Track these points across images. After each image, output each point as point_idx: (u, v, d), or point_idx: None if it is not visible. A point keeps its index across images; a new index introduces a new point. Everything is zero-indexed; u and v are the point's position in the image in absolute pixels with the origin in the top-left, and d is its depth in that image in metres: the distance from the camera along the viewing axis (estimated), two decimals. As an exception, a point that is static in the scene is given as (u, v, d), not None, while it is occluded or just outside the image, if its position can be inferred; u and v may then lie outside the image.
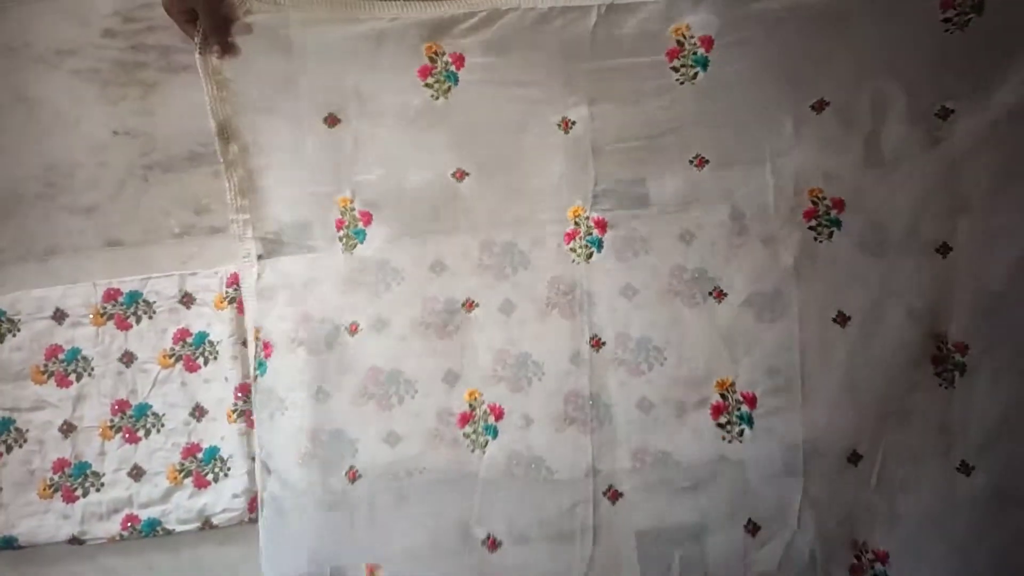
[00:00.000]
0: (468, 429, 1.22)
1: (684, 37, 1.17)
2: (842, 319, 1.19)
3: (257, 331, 1.24)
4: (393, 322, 1.25)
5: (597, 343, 1.23)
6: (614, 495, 1.21)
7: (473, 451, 1.22)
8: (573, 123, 1.21)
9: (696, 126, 1.20)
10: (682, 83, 1.19)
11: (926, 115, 1.18)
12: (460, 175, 1.23)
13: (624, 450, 1.21)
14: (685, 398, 1.22)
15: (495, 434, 1.22)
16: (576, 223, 1.23)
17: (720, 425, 1.20)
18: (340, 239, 1.24)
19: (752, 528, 1.18)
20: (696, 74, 1.18)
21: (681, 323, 1.24)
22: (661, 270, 1.25)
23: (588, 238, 1.22)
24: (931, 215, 1.18)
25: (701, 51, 1.17)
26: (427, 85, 1.21)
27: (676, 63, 1.18)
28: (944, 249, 1.18)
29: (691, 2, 1.16)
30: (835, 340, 1.19)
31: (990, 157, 1.17)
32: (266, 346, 1.23)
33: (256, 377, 1.23)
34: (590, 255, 1.23)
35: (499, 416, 1.22)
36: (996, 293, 1.17)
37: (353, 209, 1.23)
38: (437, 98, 1.21)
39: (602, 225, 1.22)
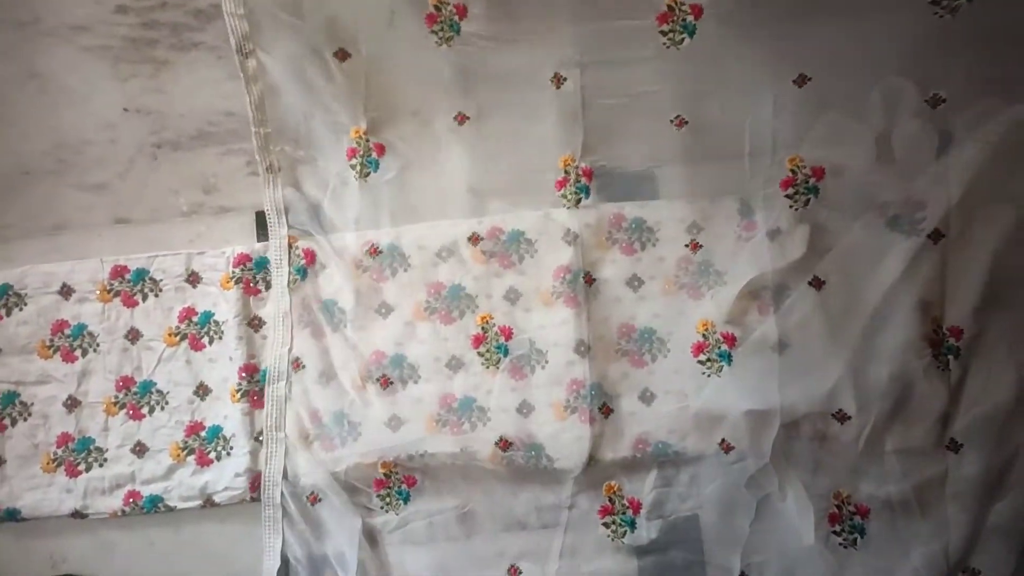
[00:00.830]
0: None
1: (675, 3, 1.22)
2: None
3: (293, 239, 1.27)
4: (399, 307, 1.26)
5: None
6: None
7: (473, 435, 1.22)
8: (564, 79, 1.25)
9: (678, 89, 1.24)
10: (668, 47, 1.23)
11: (916, 102, 1.19)
12: (461, 119, 1.27)
13: (624, 440, 1.21)
14: (687, 390, 1.22)
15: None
16: (566, 172, 1.26)
17: (701, 363, 1.21)
18: (353, 167, 1.26)
19: (725, 445, 1.19)
20: (683, 40, 1.23)
21: (685, 315, 1.24)
22: (668, 261, 1.25)
23: (577, 185, 1.25)
24: (938, 203, 1.18)
25: (690, 18, 1.22)
26: (432, 32, 1.24)
27: (665, 27, 1.23)
28: (941, 236, 1.18)
29: None
30: (824, 310, 1.19)
31: (992, 149, 1.17)
32: (307, 253, 1.26)
33: (295, 280, 1.26)
34: (578, 200, 1.25)
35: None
36: (994, 281, 1.18)
37: (367, 140, 1.26)
38: (440, 45, 1.25)
39: (589, 174, 1.26)
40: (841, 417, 1.17)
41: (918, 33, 1.18)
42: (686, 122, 1.24)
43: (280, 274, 1.27)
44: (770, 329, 1.20)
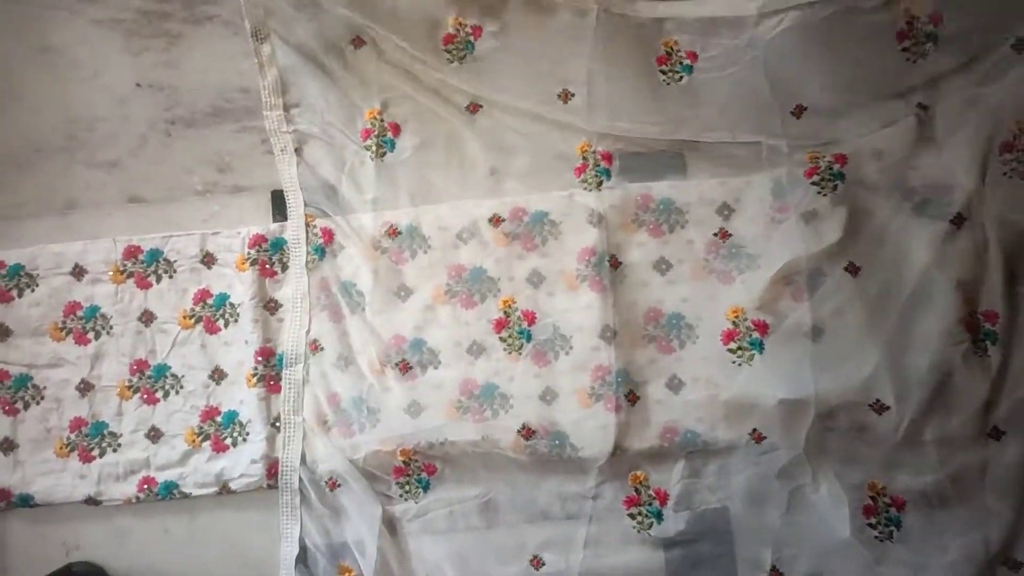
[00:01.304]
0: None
1: (672, 49, 1.24)
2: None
3: (310, 218, 1.24)
4: (418, 290, 1.22)
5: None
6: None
7: (495, 422, 1.19)
8: (572, 95, 1.25)
9: (681, 116, 1.23)
10: (668, 84, 1.24)
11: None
12: (474, 108, 1.25)
13: (651, 429, 1.18)
14: (716, 378, 1.18)
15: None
16: (584, 158, 1.23)
17: (731, 351, 1.18)
18: (367, 148, 1.24)
19: (756, 435, 1.15)
20: (681, 78, 1.24)
21: (715, 300, 1.20)
22: (697, 244, 1.21)
23: (596, 169, 1.23)
24: (960, 186, 1.16)
25: (687, 61, 1.24)
26: (446, 51, 1.25)
27: (664, 68, 1.24)
28: (963, 220, 1.16)
29: (677, 22, 1.24)
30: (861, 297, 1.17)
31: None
32: (324, 232, 1.24)
33: (313, 260, 1.23)
34: (600, 183, 1.22)
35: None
36: (1016, 259, 1.15)
37: (382, 120, 1.24)
38: (452, 62, 1.25)
39: (608, 157, 1.23)
40: (879, 408, 1.13)
41: (896, 71, 1.20)
42: (695, 142, 1.23)
43: (298, 253, 1.24)
44: (804, 316, 1.16)
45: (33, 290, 1.24)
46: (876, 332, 1.15)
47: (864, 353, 1.14)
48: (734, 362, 1.18)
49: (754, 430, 1.15)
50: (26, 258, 1.25)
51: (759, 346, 1.17)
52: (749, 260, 1.20)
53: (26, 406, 1.23)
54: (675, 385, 1.19)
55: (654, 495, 1.18)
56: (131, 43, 1.27)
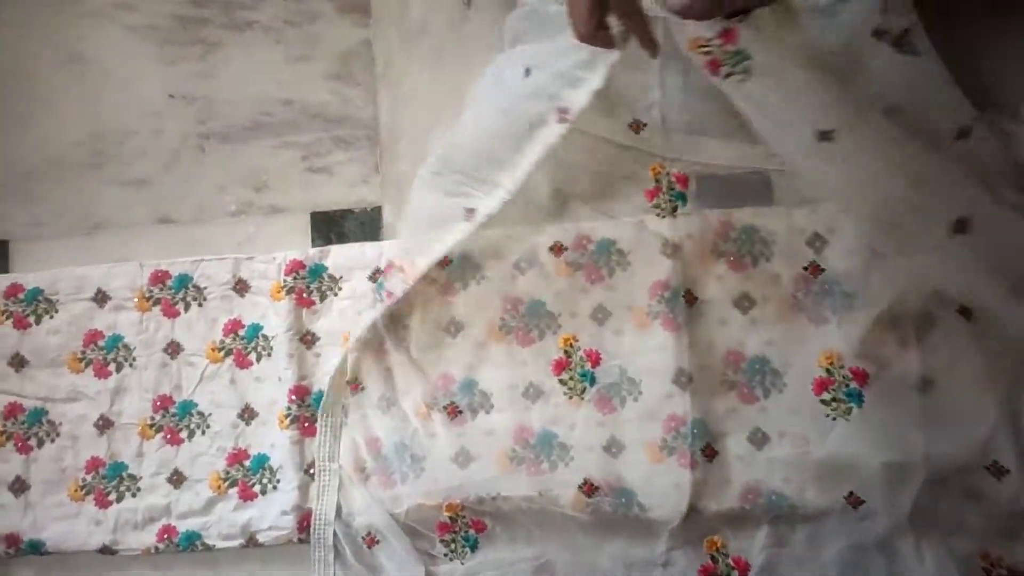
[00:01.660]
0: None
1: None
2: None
3: None
4: (470, 325, 1.11)
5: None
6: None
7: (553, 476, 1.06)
8: (644, 125, 1.13)
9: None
10: None
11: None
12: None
13: (731, 489, 1.04)
14: (807, 433, 1.04)
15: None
16: (657, 180, 1.12)
17: (824, 402, 1.04)
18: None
19: (853, 499, 1.01)
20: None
21: (805, 344, 1.06)
22: (784, 279, 1.08)
23: (671, 193, 1.11)
24: None
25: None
26: None
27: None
28: None
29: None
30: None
31: None
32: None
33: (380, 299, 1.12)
34: (674, 209, 1.11)
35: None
36: None
37: None
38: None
39: (684, 180, 1.12)
40: (997, 471, 0.99)
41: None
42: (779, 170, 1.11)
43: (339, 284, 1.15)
44: (911, 365, 1.01)
45: (52, 316, 1.15)
46: (994, 385, 1.00)
47: (980, 409, 1.00)
48: (828, 415, 1.04)
49: (851, 493, 1.01)
50: (46, 282, 1.16)
51: (858, 398, 1.03)
52: (845, 299, 1.06)
53: (40, 443, 1.13)
54: (759, 440, 1.05)
55: (733, 565, 1.03)
56: (165, 51, 1.18)
